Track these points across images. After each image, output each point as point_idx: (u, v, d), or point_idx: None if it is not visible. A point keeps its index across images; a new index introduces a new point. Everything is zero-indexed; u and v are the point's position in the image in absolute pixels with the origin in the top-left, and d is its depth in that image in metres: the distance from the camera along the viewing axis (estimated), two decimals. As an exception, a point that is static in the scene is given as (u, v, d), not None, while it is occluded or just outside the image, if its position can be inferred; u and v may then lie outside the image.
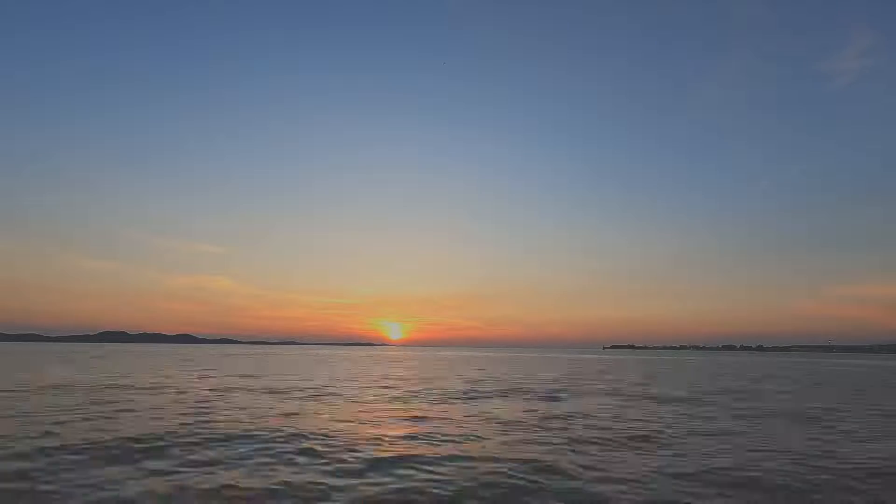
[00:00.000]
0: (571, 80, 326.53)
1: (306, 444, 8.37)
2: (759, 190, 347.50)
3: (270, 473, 6.61)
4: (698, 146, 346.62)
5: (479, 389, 19.09)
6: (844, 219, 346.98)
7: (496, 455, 7.80)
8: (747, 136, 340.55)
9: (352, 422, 10.98)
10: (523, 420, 11.55)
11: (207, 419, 10.95)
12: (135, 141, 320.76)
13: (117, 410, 12.19)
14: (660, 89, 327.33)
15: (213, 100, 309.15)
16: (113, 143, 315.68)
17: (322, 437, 8.99)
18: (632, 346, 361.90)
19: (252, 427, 9.93)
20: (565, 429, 10.35)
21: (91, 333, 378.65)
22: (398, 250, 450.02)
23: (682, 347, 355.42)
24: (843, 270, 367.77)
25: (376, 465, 7.16)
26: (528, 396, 16.86)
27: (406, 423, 10.95)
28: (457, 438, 9.08)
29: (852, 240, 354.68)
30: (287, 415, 11.81)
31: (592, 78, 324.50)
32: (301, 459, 7.41)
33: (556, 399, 16.16)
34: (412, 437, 9.14)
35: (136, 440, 8.46)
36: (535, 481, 6.40)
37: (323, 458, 7.52)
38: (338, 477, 6.51)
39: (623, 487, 6.19)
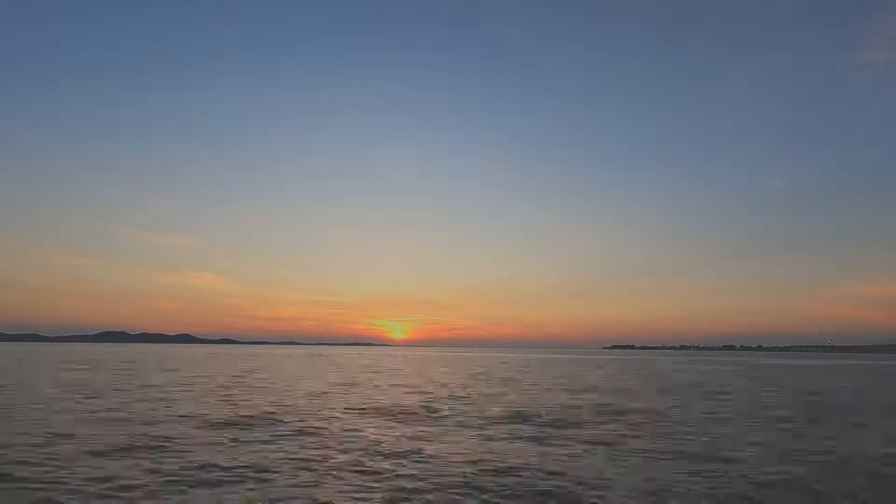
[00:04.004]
0: (582, 78, 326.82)
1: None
2: (764, 189, 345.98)
3: None
4: (701, 144, 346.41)
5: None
6: (846, 218, 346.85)
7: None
8: (760, 132, 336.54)
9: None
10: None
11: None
12: (132, 140, 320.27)
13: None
14: (674, 86, 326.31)
15: (212, 97, 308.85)
16: (109, 140, 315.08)
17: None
18: (632, 347, 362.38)
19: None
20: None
21: (91, 333, 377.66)
22: (398, 248, 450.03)
23: (682, 347, 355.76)
24: (843, 271, 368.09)
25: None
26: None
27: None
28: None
29: (853, 240, 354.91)
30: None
31: (606, 75, 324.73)
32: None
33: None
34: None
35: None
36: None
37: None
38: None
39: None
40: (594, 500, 6.67)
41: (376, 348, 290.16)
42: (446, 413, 14.69)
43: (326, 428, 11.82)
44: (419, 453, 9.29)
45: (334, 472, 7.86)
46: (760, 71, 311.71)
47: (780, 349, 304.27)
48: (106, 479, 7.24)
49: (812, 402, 18.96)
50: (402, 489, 7.03)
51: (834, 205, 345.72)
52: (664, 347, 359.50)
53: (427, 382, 26.80)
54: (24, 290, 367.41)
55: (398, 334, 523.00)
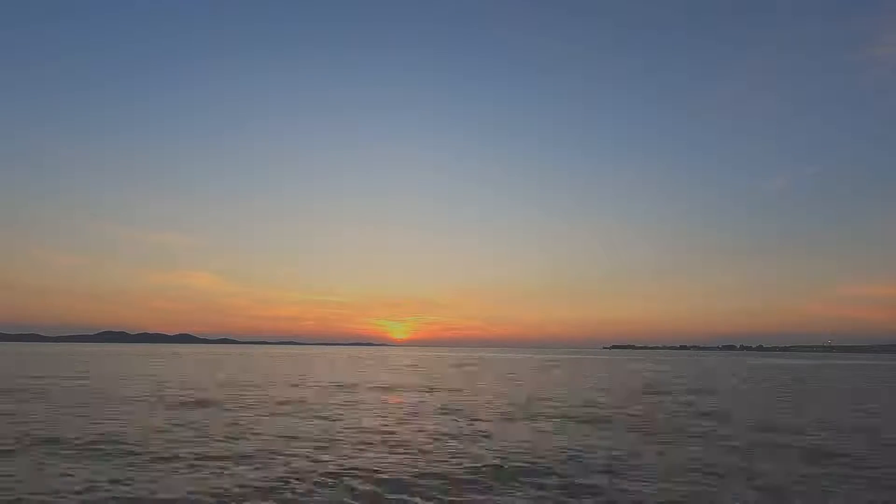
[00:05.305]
0: (582, 78, 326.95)
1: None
2: (764, 189, 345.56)
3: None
4: (702, 144, 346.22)
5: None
6: (846, 218, 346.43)
7: None
8: (760, 132, 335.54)
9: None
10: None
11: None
12: (132, 140, 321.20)
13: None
14: (674, 86, 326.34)
15: (212, 97, 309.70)
16: (109, 140, 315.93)
17: None
18: (632, 347, 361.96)
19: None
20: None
21: (91, 333, 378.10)
22: (398, 248, 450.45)
23: (682, 347, 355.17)
24: (843, 271, 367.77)
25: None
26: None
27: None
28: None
29: (853, 240, 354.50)
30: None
31: (606, 75, 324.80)
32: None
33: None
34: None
35: None
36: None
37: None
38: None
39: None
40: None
41: (372, 348, 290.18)
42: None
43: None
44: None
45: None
46: (760, 71, 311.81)
47: (780, 349, 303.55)
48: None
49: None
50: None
51: (834, 205, 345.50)
52: (664, 347, 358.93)
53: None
54: (24, 290, 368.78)
55: (398, 334, 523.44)
